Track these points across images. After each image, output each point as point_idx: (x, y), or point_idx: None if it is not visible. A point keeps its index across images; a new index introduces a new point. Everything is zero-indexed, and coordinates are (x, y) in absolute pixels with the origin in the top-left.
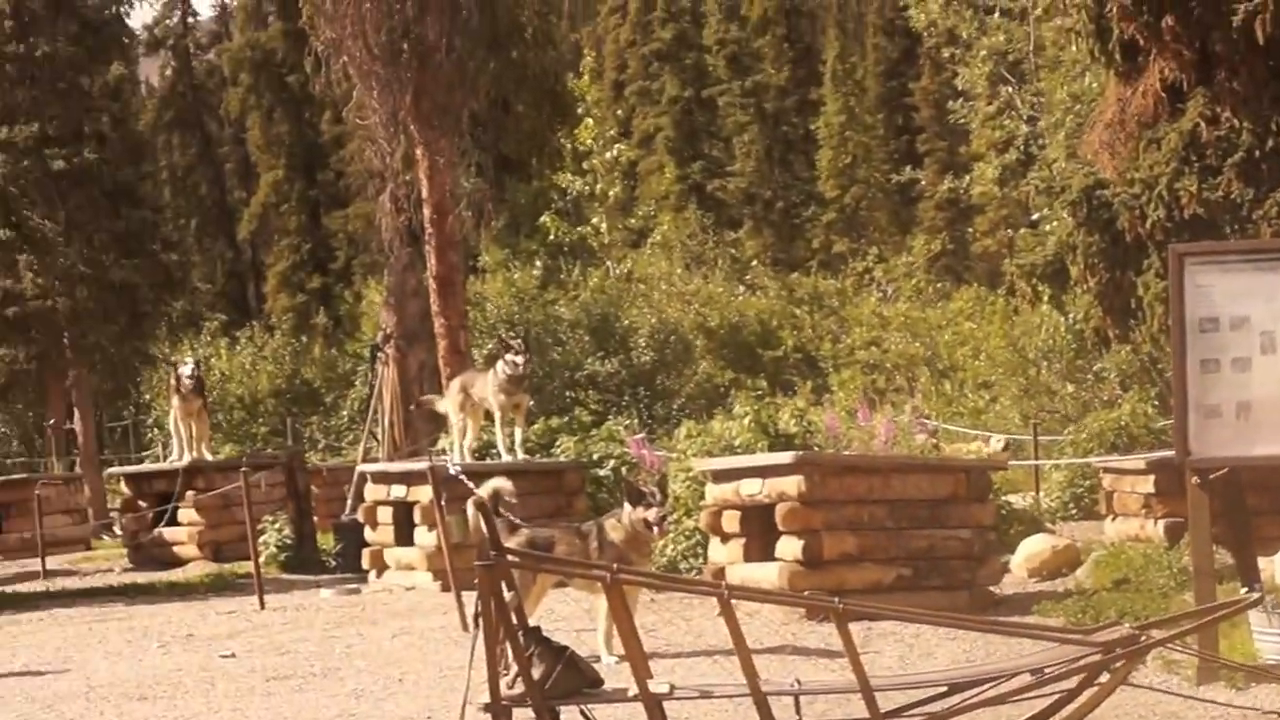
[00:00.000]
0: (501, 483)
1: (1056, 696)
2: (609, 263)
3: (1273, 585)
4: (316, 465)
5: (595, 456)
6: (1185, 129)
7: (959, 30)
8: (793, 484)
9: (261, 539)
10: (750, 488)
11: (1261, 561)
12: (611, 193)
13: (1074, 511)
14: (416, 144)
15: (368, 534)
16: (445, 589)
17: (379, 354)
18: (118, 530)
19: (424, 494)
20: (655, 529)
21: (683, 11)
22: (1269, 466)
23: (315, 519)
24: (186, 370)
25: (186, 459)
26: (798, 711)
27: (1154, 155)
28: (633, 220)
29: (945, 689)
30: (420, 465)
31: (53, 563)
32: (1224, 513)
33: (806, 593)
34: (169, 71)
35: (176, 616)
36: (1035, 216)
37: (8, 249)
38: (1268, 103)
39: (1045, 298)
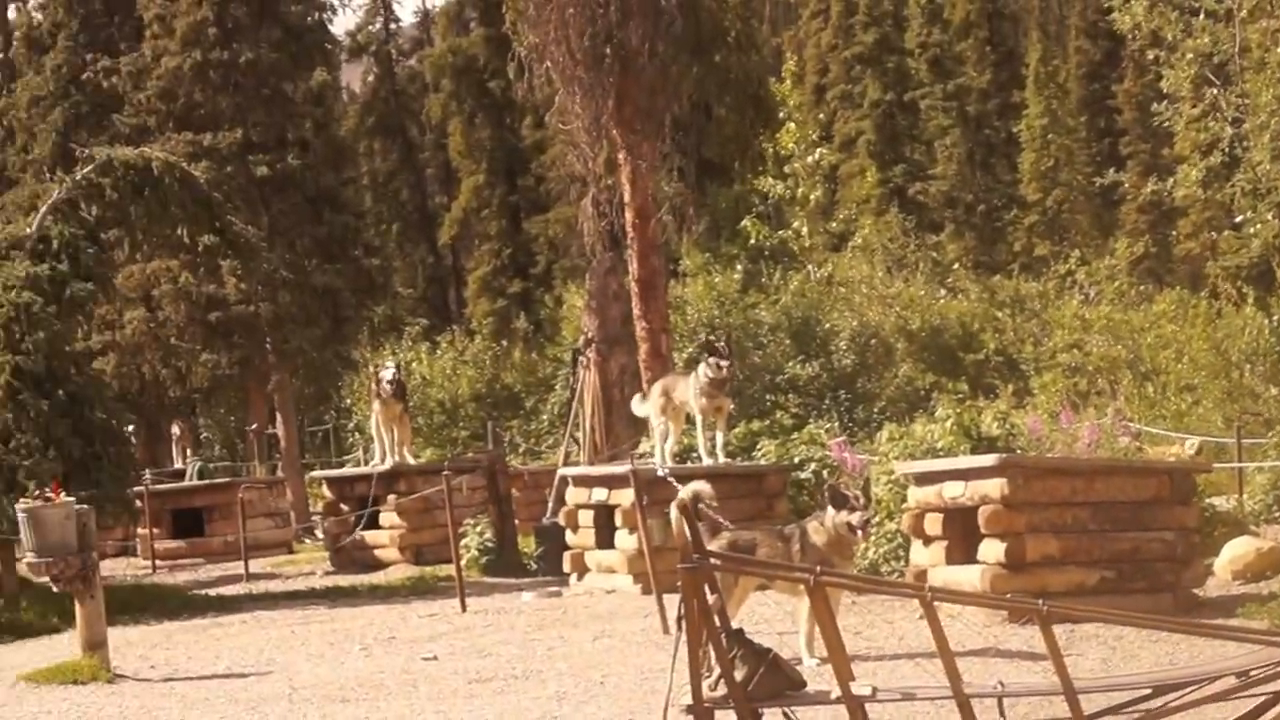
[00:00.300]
0: (701, 486)
1: (1262, 699)
2: (810, 266)
3: None
4: (517, 469)
5: (796, 460)
6: None
7: (1163, 32)
8: (995, 486)
9: (463, 542)
10: (953, 490)
11: None
12: (813, 196)
13: (1278, 514)
14: (619, 148)
15: (569, 537)
16: (646, 592)
17: (580, 358)
18: (319, 533)
19: (625, 497)
20: (858, 533)
21: (885, 15)
22: None
23: (516, 522)
24: (388, 375)
25: (388, 463)
26: (1001, 714)
27: None
28: (834, 224)
29: (1149, 691)
30: (621, 469)
31: (255, 566)
32: None
33: (1009, 595)
34: (371, 77)
35: (378, 619)
36: (1239, 219)
37: (211, 255)
38: None
39: (1249, 300)
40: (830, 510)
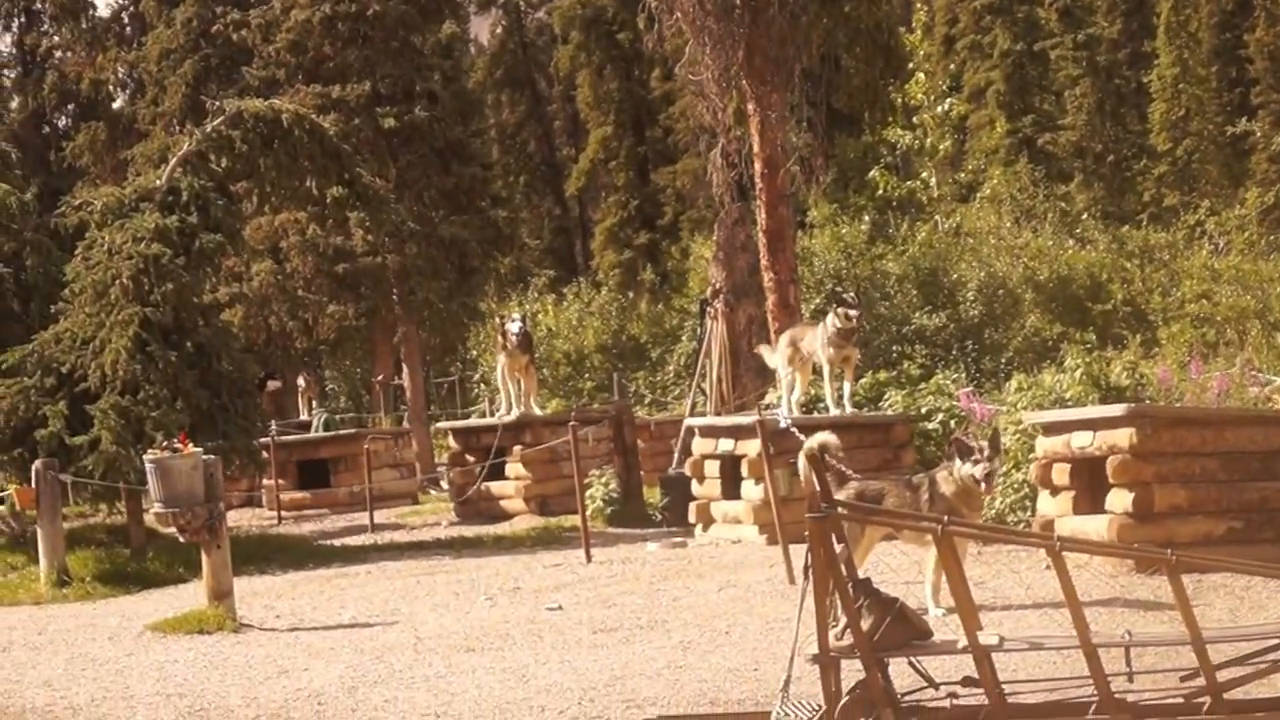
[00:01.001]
0: (828, 437)
1: None
2: (937, 217)
3: None
4: (643, 420)
5: (923, 410)
6: None
7: None
8: (1124, 436)
9: (588, 493)
10: (1081, 440)
11: None
12: (941, 147)
13: None
14: (748, 99)
15: (694, 488)
16: (772, 542)
17: (708, 308)
18: (444, 484)
19: (752, 448)
20: (983, 485)
21: None
22: None
23: (641, 473)
24: (514, 326)
25: (514, 414)
26: (1128, 663)
27: None
28: (962, 174)
29: (1277, 642)
30: (748, 419)
31: (380, 516)
32: None
33: (1136, 545)
34: (499, 29)
35: (503, 569)
36: None
37: (339, 206)
38: None
39: None
40: (958, 461)
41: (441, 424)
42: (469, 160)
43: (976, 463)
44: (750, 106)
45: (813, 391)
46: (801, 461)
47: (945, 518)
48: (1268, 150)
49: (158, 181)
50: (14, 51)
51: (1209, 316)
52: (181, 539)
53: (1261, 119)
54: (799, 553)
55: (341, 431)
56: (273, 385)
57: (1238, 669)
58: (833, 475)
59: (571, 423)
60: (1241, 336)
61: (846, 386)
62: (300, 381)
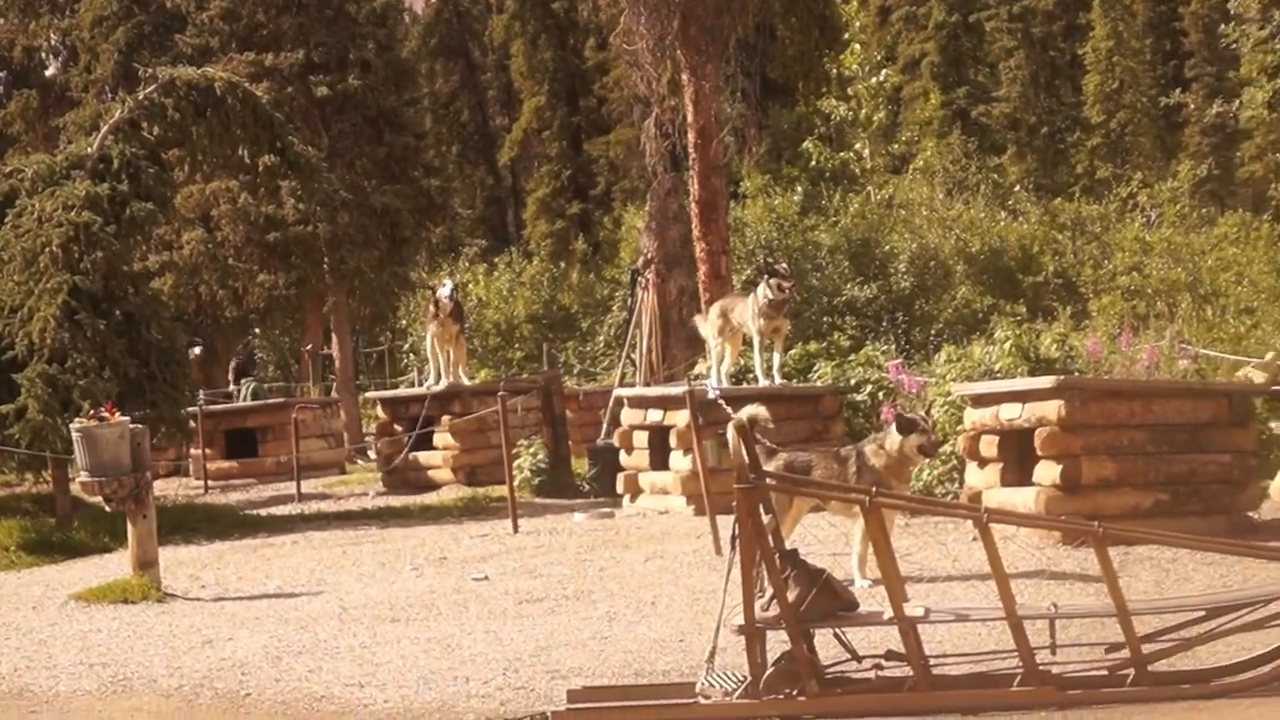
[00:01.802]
0: (758, 409)
1: None
2: (870, 188)
3: None
4: (572, 390)
5: (852, 381)
6: None
7: None
8: (1053, 408)
9: (516, 463)
10: (1010, 412)
11: None
12: (875, 119)
13: None
14: (682, 69)
15: (622, 458)
16: (699, 513)
17: (638, 279)
18: (372, 454)
19: (681, 418)
20: (926, 456)
21: None
22: None
23: (570, 443)
24: (445, 292)
25: (443, 384)
26: (1052, 636)
27: None
28: (895, 146)
29: (1203, 614)
30: (677, 390)
31: (307, 486)
32: None
33: (1064, 517)
34: None
35: (429, 539)
36: None
37: (271, 175)
38: None
39: None
40: (895, 434)
41: (370, 394)
42: (402, 129)
43: (923, 432)
44: (684, 76)
45: (743, 362)
46: (730, 432)
47: (873, 489)
48: (1200, 123)
49: (89, 149)
50: None
51: (1140, 289)
52: (108, 508)
53: (1195, 92)
54: (727, 524)
55: (269, 401)
56: (194, 353)
57: (1163, 641)
58: (761, 447)
59: (500, 393)
60: (1172, 309)
61: (776, 358)
62: (195, 350)
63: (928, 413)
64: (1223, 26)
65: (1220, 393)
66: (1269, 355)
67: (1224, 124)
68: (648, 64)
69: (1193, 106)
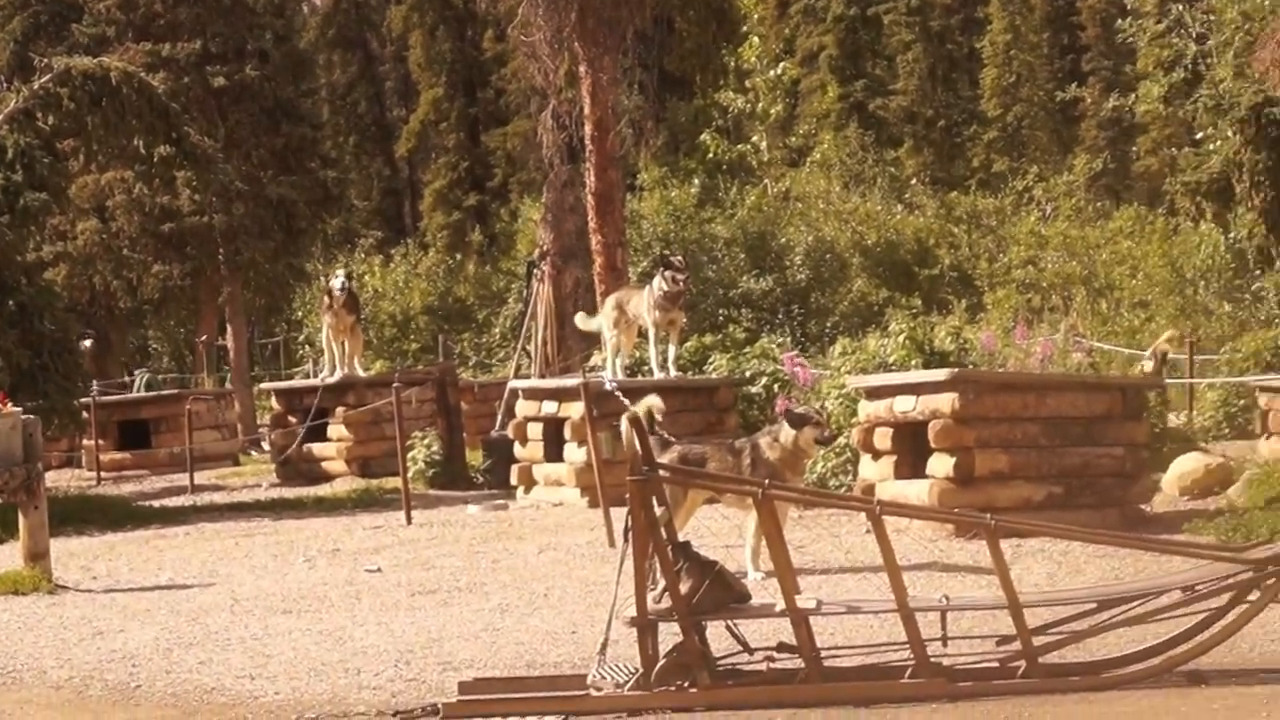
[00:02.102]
0: (653, 400)
1: (1206, 614)
2: (767, 181)
3: None
4: (467, 382)
5: (748, 374)
6: None
7: None
8: (947, 401)
9: (410, 455)
10: (904, 404)
11: None
12: (773, 111)
13: (1227, 430)
14: (580, 61)
15: (517, 450)
16: (593, 505)
17: (534, 271)
18: (266, 446)
19: (575, 410)
20: (821, 448)
21: None
22: None
23: (465, 435)
24: (337, 284)
25: (337, 375)
26: (944, 627)
27: None
28: (793, 139)
29: (1094, 606)
30: (572, 381)
31: (201, 478)
32: None
33: (956, 509)
34: None
35: (323, 531)
36: (1200, 135)
37: (166, 165)
38: None
39: (1207, 216)
40: (788, 428)
41: (265, 385)
42: (299, 120)
43: (818, 425)
44: (582, 68)
45: (638, 354)
46: (624, 424)
47: (766, 481)
48: (1097, 117)
49: None
50: None
51: (1035, 282)
52: None
53: (1091, 86)
54: (620, 516)
55: (163, 392)
56: (85, 345)
57: (1054, 633)
58: (655, 440)
59: (395, 384)
60: (1066, 302)
61: (671, 350)
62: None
63: (822, 405)
64: (1120, 21)
65: (1114, 386)
66: (1164, 336)
67: (1120, 118)
68: (545, 56)
69: (1089, 100)
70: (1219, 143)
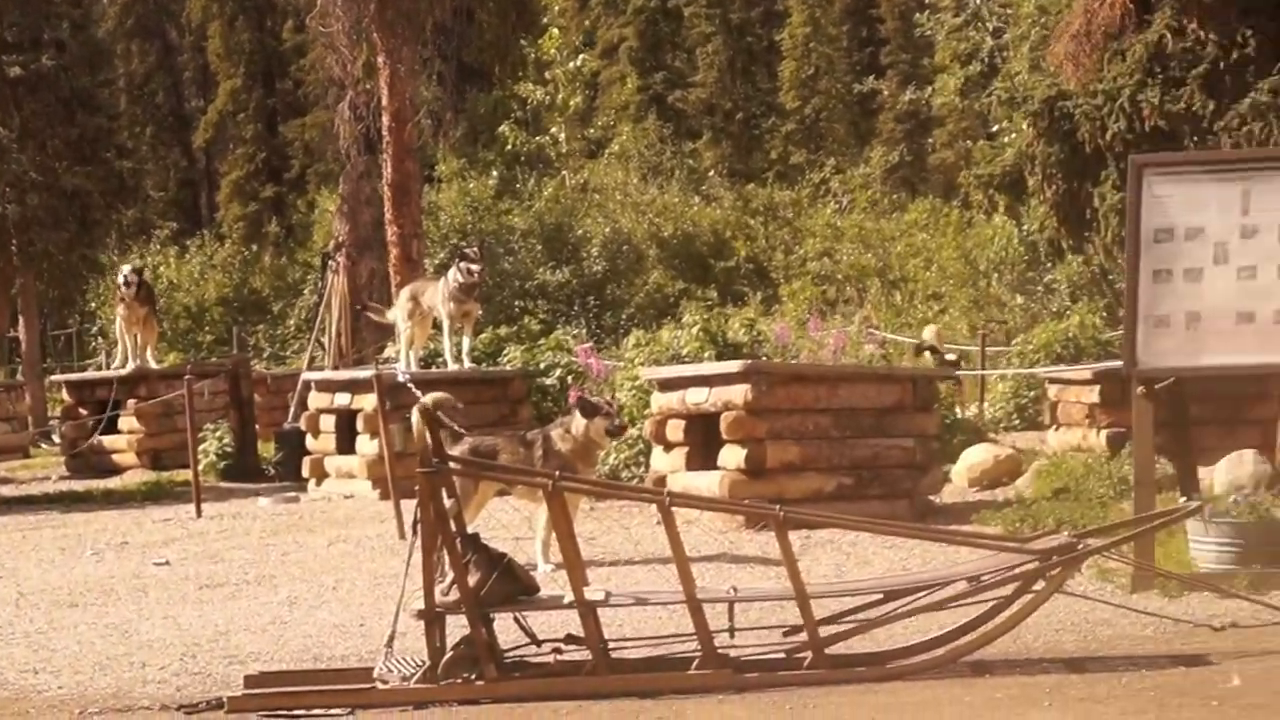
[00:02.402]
0: (443, 393)
1: (992, 603)
2: (565, 173)
3: (1211, 494)
4: (261, 374)
5: (542, 365)
6: (1151, 40)
7: None
8: (739, 393)
9: (201, 447)
10: (696, 396)
11: (1201, 471)
12: (572, 103)
13: (1017, 422)
14: (379, 51)
15: (309, 442)
16: (384, 497)
17: (330, 262)
18: (56, 438)
19: (368, 402)
20: (612, 438)
21: None
22: (1213, 376)
23: (257, 428)
24: (128, 273)
25: (130, 366)
26: (731, 618)
27: (1118, 67)
28: (592, 130)
29: (880, 596)
30: (365, 373)
31: None
32: (1167, 423)
33: (746, 500)
34: None
35: (112, 524)
36: (995, 128)
37: None
38: (1235, 14)
39: (1000, 208)
40: (580, 418)
41: (56, 377)
42: (95, 110)
43: (607, 415)
44: (381, 59)
45: (432, 346)
46: (415, 416)
47: (556, 473)
48: (894, 110)
49: None
50: None
51: (830, 274)
52: None
53: (890, 79)
54: (411, 508)
55: None
56: None
57: (841, 623)
58: (447, 432)
59: (187, 376)
60: (861, 294)
61: (466, 341)
62: None
63: (614, 397)
64: (918, 15)
65: (904, 377)
66: (926, 331)
67: (917, 111)
68: (344, 46)
69: (887, 93)
70: (1013, 136)
